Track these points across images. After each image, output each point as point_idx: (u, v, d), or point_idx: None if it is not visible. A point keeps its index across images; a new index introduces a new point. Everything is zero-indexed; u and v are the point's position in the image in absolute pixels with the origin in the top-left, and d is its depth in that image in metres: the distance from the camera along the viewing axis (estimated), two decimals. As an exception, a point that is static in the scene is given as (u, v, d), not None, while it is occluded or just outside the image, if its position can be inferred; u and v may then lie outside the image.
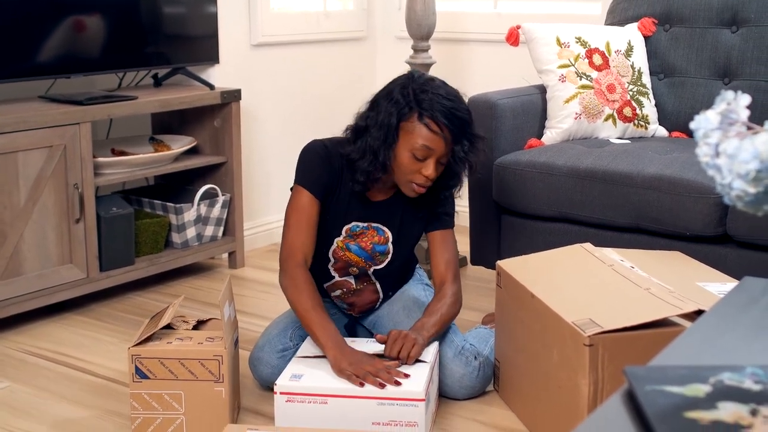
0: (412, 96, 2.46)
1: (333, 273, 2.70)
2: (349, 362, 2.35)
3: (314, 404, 2.30)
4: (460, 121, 2.48)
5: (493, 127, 3.15)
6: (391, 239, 2.66)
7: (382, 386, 2.29)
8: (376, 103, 2.54)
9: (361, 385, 2.29)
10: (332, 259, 2.67)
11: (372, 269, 2.69)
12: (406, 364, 2.40)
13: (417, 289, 2.79)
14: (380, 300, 2.77)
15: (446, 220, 2.69)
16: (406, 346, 2.41)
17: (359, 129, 2.54)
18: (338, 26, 4.38)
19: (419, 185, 2.50)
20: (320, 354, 2.43)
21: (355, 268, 2.68)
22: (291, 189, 2.60)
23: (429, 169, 2.47)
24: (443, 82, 2.53)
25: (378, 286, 2.74)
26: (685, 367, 1.15)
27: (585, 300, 2.27)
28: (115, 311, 3.31)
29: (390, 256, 2.68)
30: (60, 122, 3.07)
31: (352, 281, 2.71)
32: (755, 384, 1.08)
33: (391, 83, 2.57)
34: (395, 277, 2.76)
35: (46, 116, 3.05)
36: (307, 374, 2.35)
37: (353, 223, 2.63)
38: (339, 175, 2.57)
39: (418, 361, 2.41)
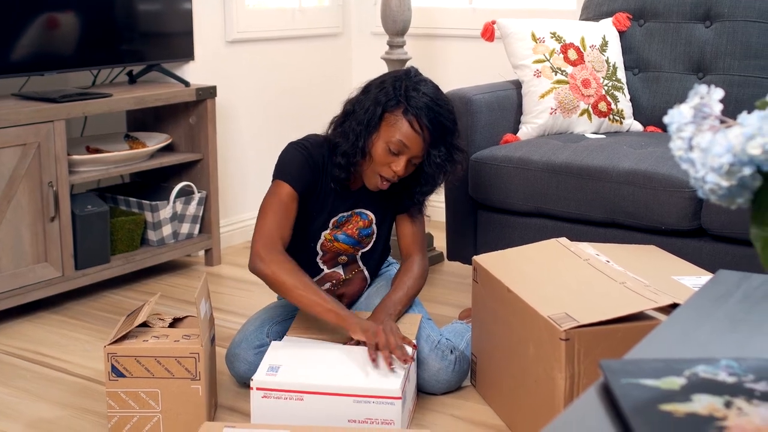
0: (403, 91, 2.50)
1: (322, 266, 2.71)
2: (364, 328, 2.38)
3: (290, 401, 2.29)
4: (442, 128, 2.52)
5: (469, 122, 3.16)
6: (374, 221, 2.69)
7: (391, 364, 2.33)
8: (367, 89, 2.59)
9: (374, 360, 2.33)
10: (320, 252, 2.68)
11: (360, 253, 2.72)
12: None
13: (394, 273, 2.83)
14: (368, 285, 2.79)
15: (417, 215, 2.76)
16: (389, 345, 2.38)
17: (347, 112, 2.59)
18: (314, 22, 4.38)
19: (384, 179, 2.54)
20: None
21: (344, 257, 2.71)
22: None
23: (399, 165, 2.50)
24: (437, 87, 2.58)
25: (366, 272, 2.76)
26: (660, 360, 1.15)
27: (561, 294, 2.28)
28: (91, 309, 3.30)
29: (375, 236, 2.72)
30: (34, 120, 3.05)
31: (341, 271, 2.73)
32: (729, 376, 1.09)
33: (386, 74, 2.64)
34: (378, 257, 2.79)
35: (19, 114, 3.03)
36: (284, 366, 2.34)
37: (339, 215, 2.65)
38: (320, 172, 2.59)
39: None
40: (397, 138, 2.48)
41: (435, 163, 2.55)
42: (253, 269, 2.49)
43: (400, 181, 2.59)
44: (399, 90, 2.51)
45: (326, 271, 2.73)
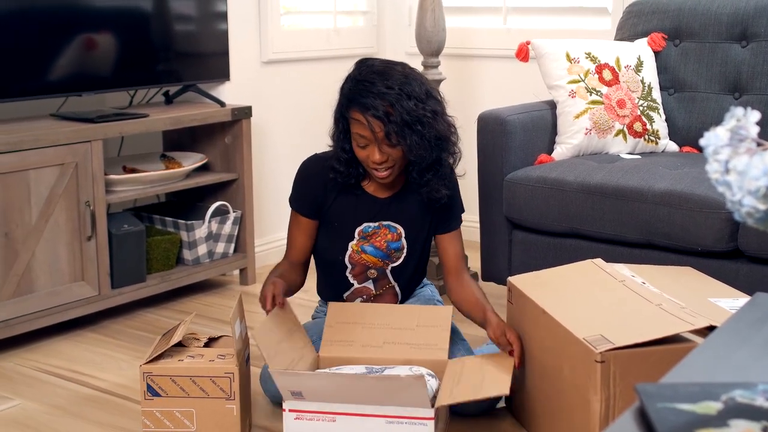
0: (346, 89, 2.54)
1: (352, 280, 2.72)
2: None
3: (323, 422, 2.29)
4: (383, 103, 2.45)
5: (504, 142, 3.16)
6: (404, 235, 2.69)
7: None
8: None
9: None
10: (349, 266, 2.69)
11: (389, 267, 2.71)
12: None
13: (430, 294, 2.84)
14: (399, 302, 2.79)
15: (453, 224, 2.74)
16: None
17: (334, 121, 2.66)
18: (349, 43, 4.39)
19: (374, 170, 2.54)
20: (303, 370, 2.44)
21: (373, 270, 2.70)
22: None
23: (374, 155, 2.51)
24: (383, 64, 2.54)
25: (397, 288, 2.75)
26: (697, 384, 1.15)
27: (596, 316, 2.27)
28: (127, 328, 3.32)
29: (405, 251, 2.71)
30: (71, 140, 3.09)
31: (372, 287, 2.73)
32: (767, 401, 1.08)
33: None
34: (411, 275, 2.77)
35: (57, 134, 3.06)
36: (303, 391, 2.30)
37: (364, 225, 2.66)
38: (322, 184, 2.65)
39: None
40: (355, 132, 2.52)
41: (404, 142, 2.47)
42: None
43: (407, 178, 2.62)
44: (343, 90, 2.55)
45: (356, 285, 2.73)
